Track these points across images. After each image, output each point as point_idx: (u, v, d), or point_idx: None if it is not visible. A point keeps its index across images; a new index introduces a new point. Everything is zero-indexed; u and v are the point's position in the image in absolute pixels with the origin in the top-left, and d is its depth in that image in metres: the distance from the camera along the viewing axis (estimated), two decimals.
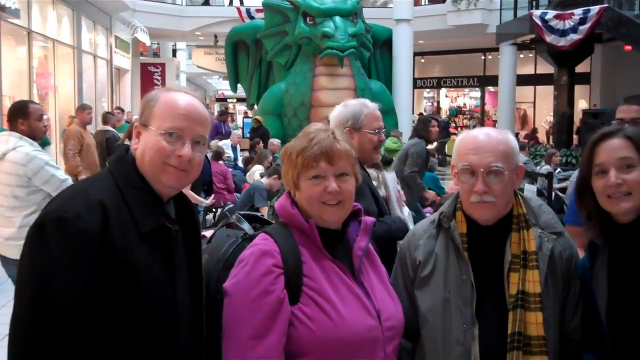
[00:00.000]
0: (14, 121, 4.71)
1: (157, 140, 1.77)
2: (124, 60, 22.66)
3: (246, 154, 13.74)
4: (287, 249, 1.90)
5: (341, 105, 3.18)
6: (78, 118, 9.19)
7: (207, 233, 2.33)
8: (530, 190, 7.83)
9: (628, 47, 14.55)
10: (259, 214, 2.34)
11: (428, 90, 29.43)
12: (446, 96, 29.59)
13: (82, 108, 9.38)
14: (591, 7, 13.34)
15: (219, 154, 10.54)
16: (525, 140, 18.83)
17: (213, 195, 9.29)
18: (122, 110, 14.05)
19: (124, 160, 1.82)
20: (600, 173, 2.03)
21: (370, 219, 2.07)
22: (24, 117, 4.71)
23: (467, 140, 2.16)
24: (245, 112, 29.20)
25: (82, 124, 9.07)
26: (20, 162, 4.57)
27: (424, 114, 27.09)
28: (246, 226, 2.13)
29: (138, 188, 1.76)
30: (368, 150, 3.12)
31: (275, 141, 12.80)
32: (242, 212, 2.25)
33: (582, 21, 13.20)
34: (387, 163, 11.30)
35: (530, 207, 2.18)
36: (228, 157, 13.39)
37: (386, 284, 2.09)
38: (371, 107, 3.17)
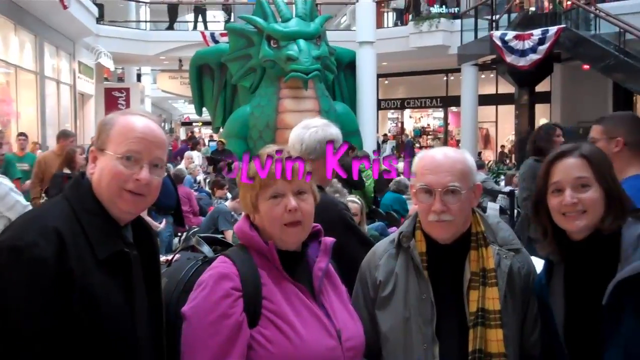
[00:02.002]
0: None
1: (114, 165, 1.75)
2: (87, 85, 22.45)
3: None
4: (246, 272, 1.89)
5: (325, 124, 2.85)
6: (59, 146, 8.17)
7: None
8: (493, 208, 7.94)
9: (586, 67, 14.83)
10: (219, 236, 2.33)
11: (392, 111, 29.60)
12: (410, 117, 29.80)
13: (65, 136, 8.38)
14: (549, 28, 13.61)
15: (179, 177, 10.07)
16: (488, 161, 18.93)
17: (164, 220, 8.57)
18: (26, 137, 11.33)
19: (80, 185, 1.80)
20: (556, 191, 2.06)
21: (330, 240, 2.07)
22: None
23: (425, 160, 2.18)
24: (211, 136, 29.07)
25: (62, 151, 7.82)
26: None
27: (389, 134, 27.30)
28: (206, 249, 2.12)
29: (94, 214, 1.74)
30: None
31: None
32: (203, 235, 2.24)
33: (541, 41, 13.46)
34: (358, 186, 11.25)
35: (488, 225, 2.20)
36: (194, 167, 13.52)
37: (346, 304, 2.09)
38: None
